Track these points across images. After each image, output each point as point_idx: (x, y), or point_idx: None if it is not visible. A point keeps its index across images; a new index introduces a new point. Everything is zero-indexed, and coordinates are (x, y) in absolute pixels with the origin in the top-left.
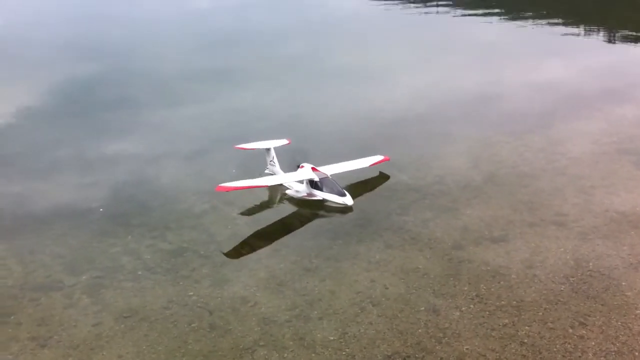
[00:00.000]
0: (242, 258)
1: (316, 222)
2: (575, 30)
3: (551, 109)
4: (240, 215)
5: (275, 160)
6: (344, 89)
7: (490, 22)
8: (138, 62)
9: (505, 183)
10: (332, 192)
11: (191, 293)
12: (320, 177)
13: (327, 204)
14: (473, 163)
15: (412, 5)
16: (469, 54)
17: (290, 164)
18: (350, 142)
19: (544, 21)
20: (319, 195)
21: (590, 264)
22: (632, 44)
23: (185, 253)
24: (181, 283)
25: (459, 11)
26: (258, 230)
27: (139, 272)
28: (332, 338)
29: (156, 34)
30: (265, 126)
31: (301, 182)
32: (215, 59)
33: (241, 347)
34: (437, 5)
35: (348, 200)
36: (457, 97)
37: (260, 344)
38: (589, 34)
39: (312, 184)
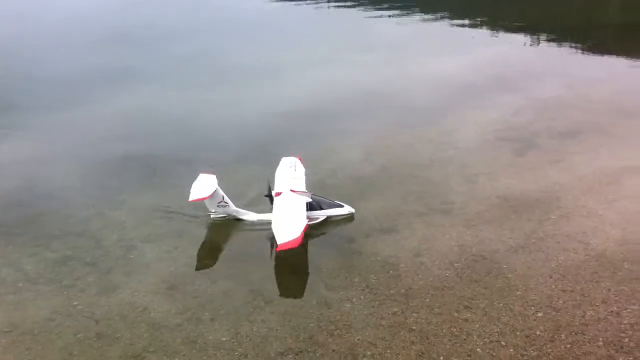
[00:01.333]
0: (130, 263)
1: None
2: (466, 24)
3: (444, 101)
4: (128, 220)
5: (227, 198)
6: (243, 87)
7: (384, 18)
8: (20, 62)
9: (396, 174)
10: (331, 207)
11: (76, 302)
12: (313, 197)
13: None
14: (366, 156)
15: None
16: (370, 50)
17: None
18: (249, 142)
19: (442, 18)
20: (321, 215)
21: (474, 249)
22: (522, 35)
23: (69, 261)
24: (65, 293)
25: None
26: (147, 235)
27: (20, 284)
28: (224, 339)
29: (43, 32)
30: (155, 130)
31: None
32: (105, 57)
33: (130, 354)
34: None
35: (349, 208)
36: (356, 92)
37: (150, 350)
38: (481, 28)
39: (309, 206)
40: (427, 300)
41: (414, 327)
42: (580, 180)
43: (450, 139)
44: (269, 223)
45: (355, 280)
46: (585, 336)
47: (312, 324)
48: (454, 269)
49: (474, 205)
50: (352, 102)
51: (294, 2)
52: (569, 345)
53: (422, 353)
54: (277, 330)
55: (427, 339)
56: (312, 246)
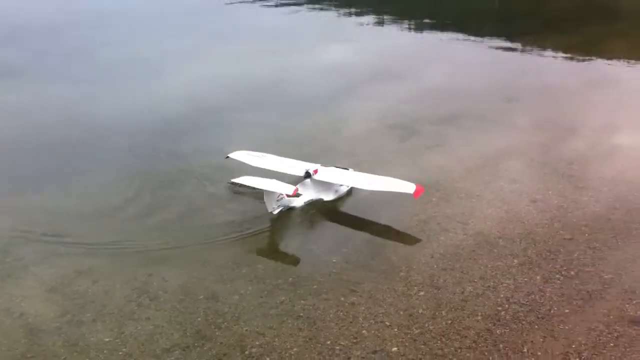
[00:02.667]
0: (5, 268)
1: None
2: (353, 12)
3: (331, 91)
4: (2, 222)
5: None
6: (123, 83)
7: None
8: None
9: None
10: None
11: None
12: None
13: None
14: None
15: None
16: (262, 41)
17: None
18: (128, 142)
19: (329, 7)
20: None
21: (359, 234)
22: (406, 24)
23: None
24: None
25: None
26: (25, 236)
27: None
28: (107, 339)
29: None
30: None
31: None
32: None
33: None
34: None
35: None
36: (242, 84)
37: (29, 355)
38: (376, 19)
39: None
40: (315, 287)
41: (301, 314)
42: (459, 164)
43: (337, 127)
44: (315, 201)
45: (244, 271)
46: (465, 311)
47: (199, 319)
48: (341, 254)
49: (359, 192)
50: (238, 94)
51: None
52: (449, 321)
53: (310, 339)
54: (163, 327)
55: (315, 324)
56: None
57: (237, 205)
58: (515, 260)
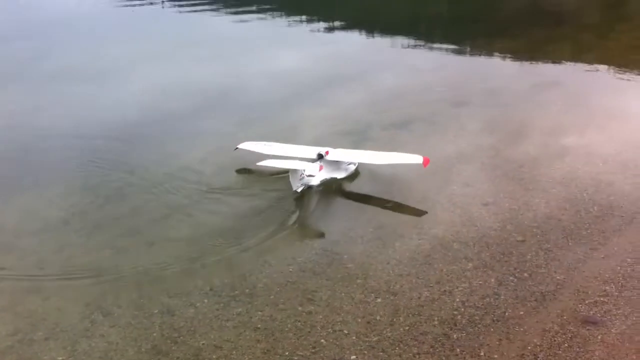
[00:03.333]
0: None
1: None
2: (303, 19)
3: (283, 98)
4: None
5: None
6: (67, 91)
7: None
8: None
9: (231, 175)
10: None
11: None
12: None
13: None
14: (205, 157)
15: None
16: (210, 48)
17: None
18: (77, 153)
19: (279, 15)
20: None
21: (315, 242)
22: (356, 31)
23: None
24: None
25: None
26: None
27: None
28: (60, 358)
29: None
30: None
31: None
32: None
33: None
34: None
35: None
36: (193, 91)
37: None
38: (317, 23)
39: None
40: (272, 297)
41: (259, 326)
42: (412, 169)
43: (289, 134)
44: (328, 180)
45: (199, 284)
46: (422, 317)
47: (154, 334)
48: (297, 263)
49: (322, 201)
50: (189, 101)
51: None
52: (407, 327)
53: (268, 350)
54: (117, 343)
55: (273, 335)
56: (158, 252)
57: (194, 218)
58: (470, 264)
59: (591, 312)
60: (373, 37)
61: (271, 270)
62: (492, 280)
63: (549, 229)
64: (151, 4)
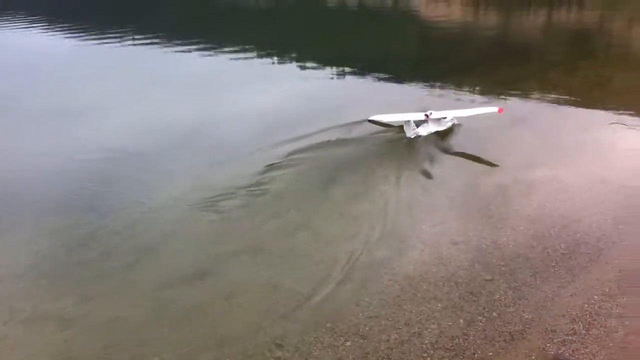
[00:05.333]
0: None
1: None
2: (275, 60)
3: (253, 137)
4: None
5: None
6: (35, 132)
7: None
8: None
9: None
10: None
11: None
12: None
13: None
14: (174, 201)
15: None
16: (178, 86)
17: None
18: (45, 195)
19: (248, 52)
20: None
21: (285, 283)
22: (328, 69)
23: None
24: None
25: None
26: None
27: None
28: None
29: None
30: None
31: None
32: None
33: None
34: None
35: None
36: (162, 130)
37: None
38: (290, 63)
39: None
40: (242, 344)
41: None
42: (382, 209)
43: (260, 179)
44: (433, 133)
45: (165, 332)
46: None
47: None
48: (267, 306)
49: (283, 241)
50: (158, 141)
51: (96, 41)
52: None
53: None
54: None
55: None
56: (122, 297)
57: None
58: (439, 304)
59: (560, 351)
60: (344, 76)
61: (240, 315)
62: (461, 320)
63: (517, 267)
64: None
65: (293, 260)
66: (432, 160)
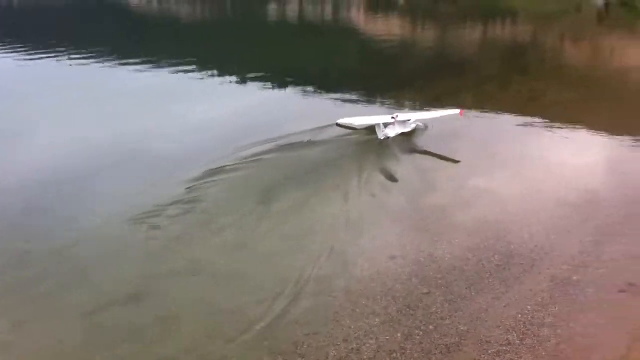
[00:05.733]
0: None
1: None
2: (215, 74)
3: (198, 153)
4: None
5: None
6: None
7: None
8: None
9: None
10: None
11: None
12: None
13: None
14: (117, 213)
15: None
16: (117, 103)
17: None
18: None
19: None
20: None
21: (222, 304)
22: (269, 84)
23: None
24: None
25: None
26: None
27: None
28: None
29: None
30: None
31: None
32: None
33: None
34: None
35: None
36: (104, 148)
37: None
38: (231, 77)
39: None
40: None
41: None
42: (321, 224)
43: (199, 196)
44: (399, 134)
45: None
46: None
47: None
48: (208, 326)
49: (222, 260)
50: (95, 159)
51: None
52: None
53: None
54: None
55: None
56: (59, 322)
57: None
58: (377, 319)
59: None
60: (285, 88)
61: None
62: (399, 335)
63: (453, 280)
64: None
65: (231, 280)
66: (374, 174)
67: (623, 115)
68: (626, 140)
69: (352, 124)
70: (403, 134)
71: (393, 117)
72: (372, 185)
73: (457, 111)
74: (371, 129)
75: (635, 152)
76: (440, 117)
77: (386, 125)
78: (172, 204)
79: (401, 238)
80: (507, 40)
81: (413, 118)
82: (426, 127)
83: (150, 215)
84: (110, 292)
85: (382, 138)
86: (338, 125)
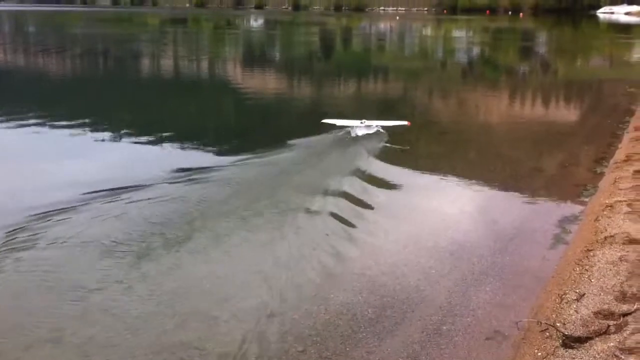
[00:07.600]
0: None
1: None
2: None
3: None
4: None
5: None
6: None
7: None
8: None
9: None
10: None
11: None
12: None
13: None
14: None
15: None
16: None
17: None
18: None
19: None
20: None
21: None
22: (150, 142)
23: None
24: None
25: None
26: None
27: None
28: None
29: None
30: None
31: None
32: None
33: None
34: None
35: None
36: None
37: None
38: (95, 133)
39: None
40: None
41: None
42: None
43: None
44: (365, 134)
45: None
46: None
47: None
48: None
49: (84, 327)
50: None
51: None
52: None
53: None
54: None
55: None
56: None
57: None
58: None
59: None
60: (162, 144)
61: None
62: None
63: (328, 336)
64: None
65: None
66: (247, 229)
67: (488, 167)
68: (492, 190)
69: (334, 124)
70: (368, 134)
71: (361, 122)
72: (231, 248)
73: (405, 122)
74: None
75: (500, 202)
76: (393, 126)
77: (357, 126)
78: None
79: (278, 295)
80: (378, 94)
81: (374, 124)
82: (383, 131)
83: None
84: None
85: (353, 135)
86: (324, 123)
